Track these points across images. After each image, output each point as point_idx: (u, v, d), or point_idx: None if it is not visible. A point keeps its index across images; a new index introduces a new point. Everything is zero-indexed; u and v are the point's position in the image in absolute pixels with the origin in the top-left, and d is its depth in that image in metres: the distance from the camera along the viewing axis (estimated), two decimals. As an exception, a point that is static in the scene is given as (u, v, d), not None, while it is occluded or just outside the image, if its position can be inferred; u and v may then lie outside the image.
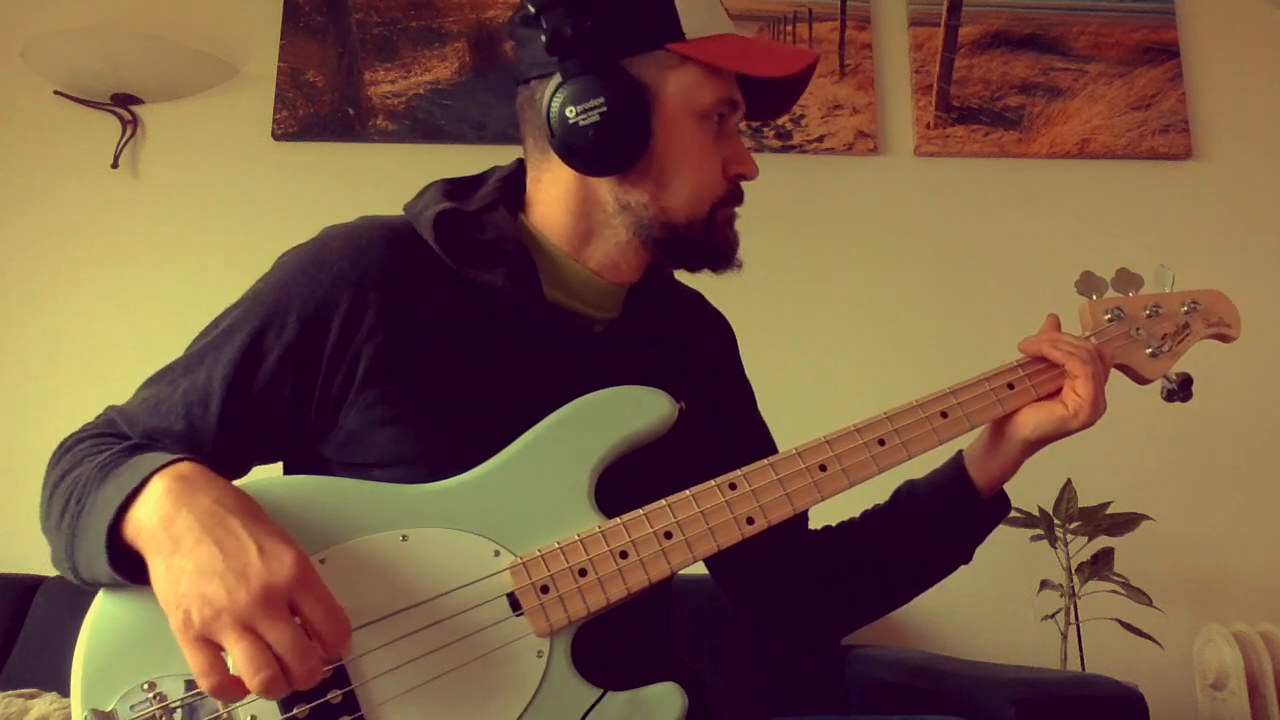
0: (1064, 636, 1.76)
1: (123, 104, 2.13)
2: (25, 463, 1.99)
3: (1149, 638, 1.72)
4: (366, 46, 2.19)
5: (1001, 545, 1.96)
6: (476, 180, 0.97)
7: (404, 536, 0.76)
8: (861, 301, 2.13)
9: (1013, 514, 1.80)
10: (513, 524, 0.78)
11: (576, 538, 0.78)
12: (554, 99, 0.85)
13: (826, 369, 2.08)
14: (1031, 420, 0.94)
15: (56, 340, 2.05)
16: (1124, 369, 0.98)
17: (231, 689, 0.64)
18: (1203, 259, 2.19)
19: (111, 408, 0.86)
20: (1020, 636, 1.94)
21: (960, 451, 0.98)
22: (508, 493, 0.79)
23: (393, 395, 0.83)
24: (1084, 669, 1.75)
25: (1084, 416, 0.92)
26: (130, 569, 0.70)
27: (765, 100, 0.96)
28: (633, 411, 0.83)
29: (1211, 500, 2.07)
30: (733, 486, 0.83)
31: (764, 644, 1.05)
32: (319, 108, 2.15)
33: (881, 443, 0.88)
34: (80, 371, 2.02)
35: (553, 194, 0.92)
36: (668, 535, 0.80)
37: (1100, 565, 1.74)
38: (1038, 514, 1.80)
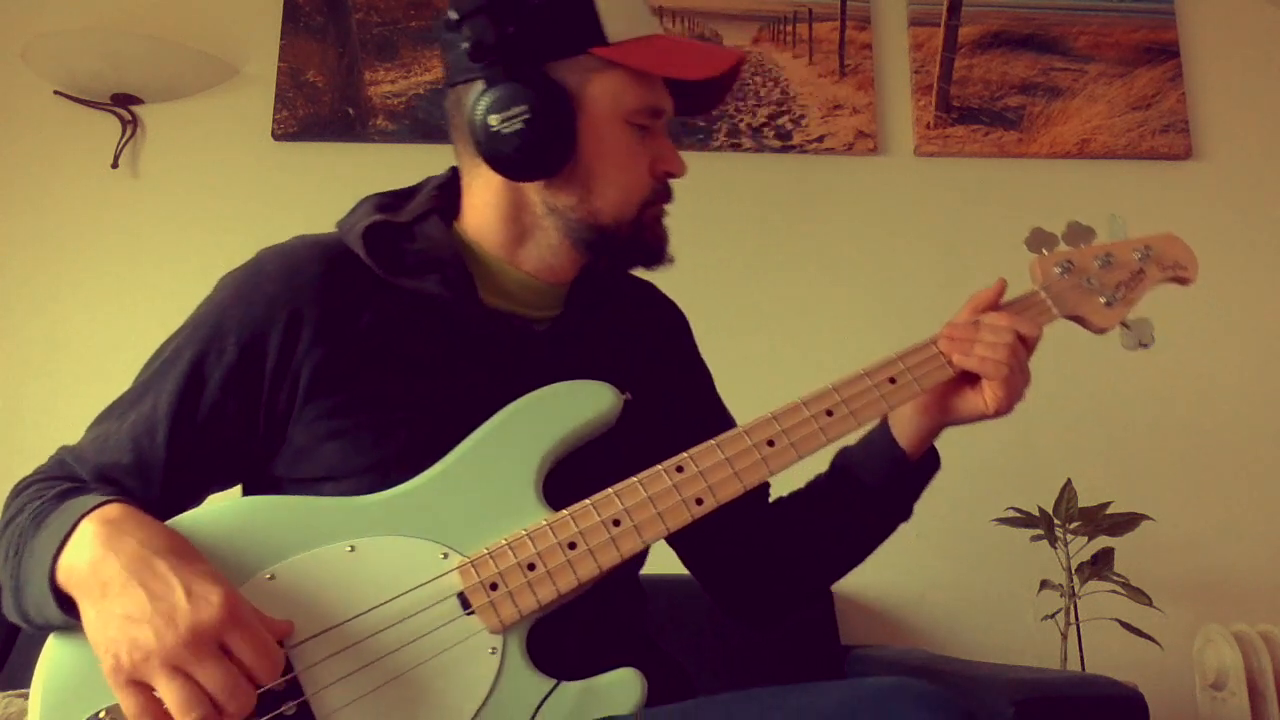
0: (1064, 636, 1.76)
1: (123, 104, 2.13)
2: (25, 463, 1.97)
3: (1149, 638, 1.72)
4: (366, 46, 2.19)
5: (1001, 545, 1.98)
6: (410, 191, 0.98)
7: (351, 547, 0.77)
8: (861, 301, 2.14)
9: (1013, 514, 1.82)
10: (460, 526, 0.79)
11: (524, 533, 0.79)
12: (478, 106, 0.86)
13: (826, 369, 2.06)
14: (955, 408, 0.95)
15: (56, 340, 2.05)
16: (1078, 320, 0.98)
17: None
18: (1203, 259, 2.18)
19: (63, 448, 0.87)
20: (1020, 636, 1.94)
21: (885, 419, 0.99)
22: (454, 495, 0.80)
23: (336, 409, 0.83)
24: (1084, 669, 1.75)
25: (1002, 412, 0.93)
26: (76, 611, 0.71)
27: (694, 97, 0.96)
28: (576, 405, 0.84)
29: (1211, 500, 2.07)
30: (680, 469, 0.84)
31: (769, 640, 1.06)
32: (319, 108, 2.15)
33: (829, 414, 0.88)
34: (80, 371, 2.02)
35: (484, 199, 0.93)
36: (616, 523, 0.80)
37: (1100, 565, 1.74)
38: (1038, 514, 1.80)
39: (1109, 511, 1.78)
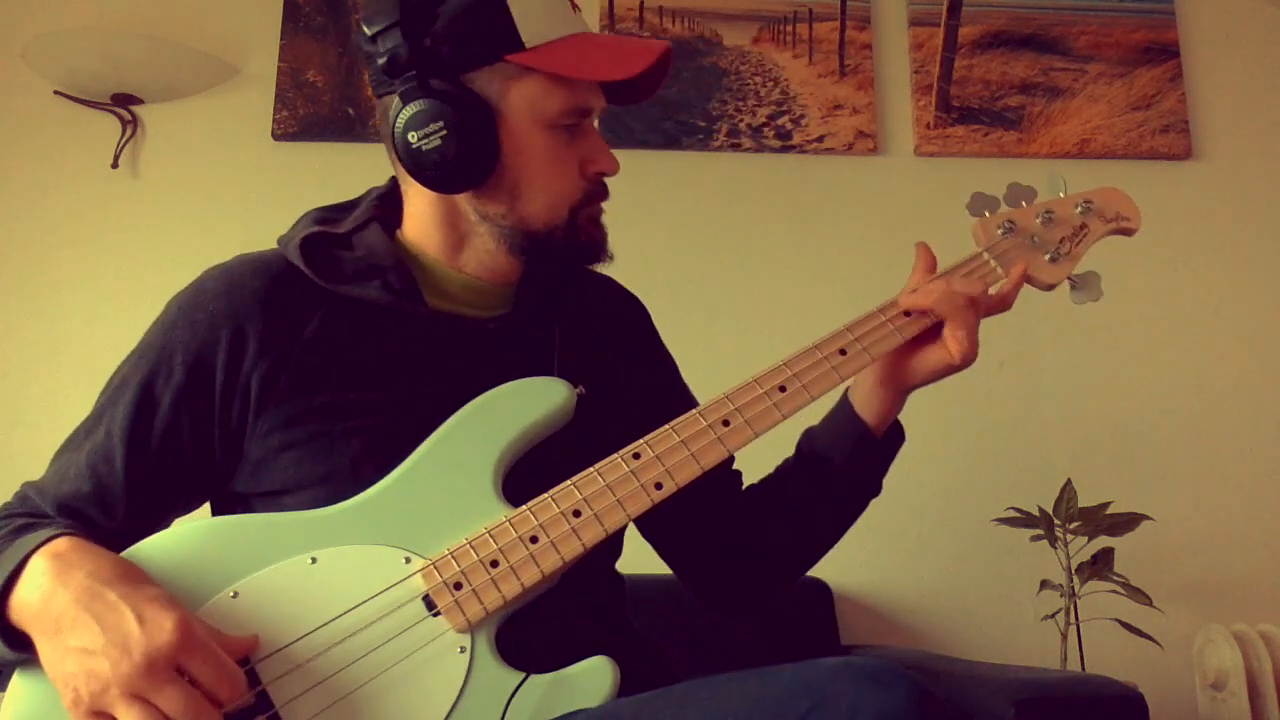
0: (1064, 636, 1.76)
1: (123, 104, 2.13)
2: (25, 464, 1.97)
3: (1149, 638, 1.72)
4: (366, 46, 2.19)
5: (1001, 545, 1.98)
6: (351, 204, 0.98)
7: (313, 559, 0.77)
8: (862, 302, 2.12)
9: (1013, 514, 1.82)
10: (421, 530, 0.79)
11: (484, 531, 0.79)
12: (397, 122, 0.85)
13: (826, 369, 2.07)
14: (920, 367, 0.94)
15: (56, 340, 2.05)
16: (1025, 279, 0.97)
17: None
18: (1203, 259, 2.19)
19: (26, 484, 0.87)
20: (1020, 636, 1.94)
21: (846, 394, 0.99)
22: (413, 500, 0.81)
23: (288, 421, 0.84)
24: (1084, 669, 1.76)
25: (967, 359, 0.91)
26: (29, 648, 0.71)
27: (627, 88, 0.94)
28: (529, 402, 0.84)
29: (1211, 500, 2.07)
30: (636, 456, 0.84)
31: (770, 640, 1.06)
32: (319, 108, 2.15)
33: (782, 389, 0.88)
34: (80, 372, 2.02)
35: (419, 207, 0.93)
36: (576, 513, 0.81)
37: (1100, 565, 1.74)
38: (1038, 514, 1.80)
39: (1109, 511, 1.78)
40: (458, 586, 0.77)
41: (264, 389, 0.84)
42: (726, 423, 0.86)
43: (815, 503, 0.99)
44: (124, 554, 0.76)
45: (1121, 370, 2.11)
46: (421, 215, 0.93)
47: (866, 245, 2.17)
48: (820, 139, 2.19)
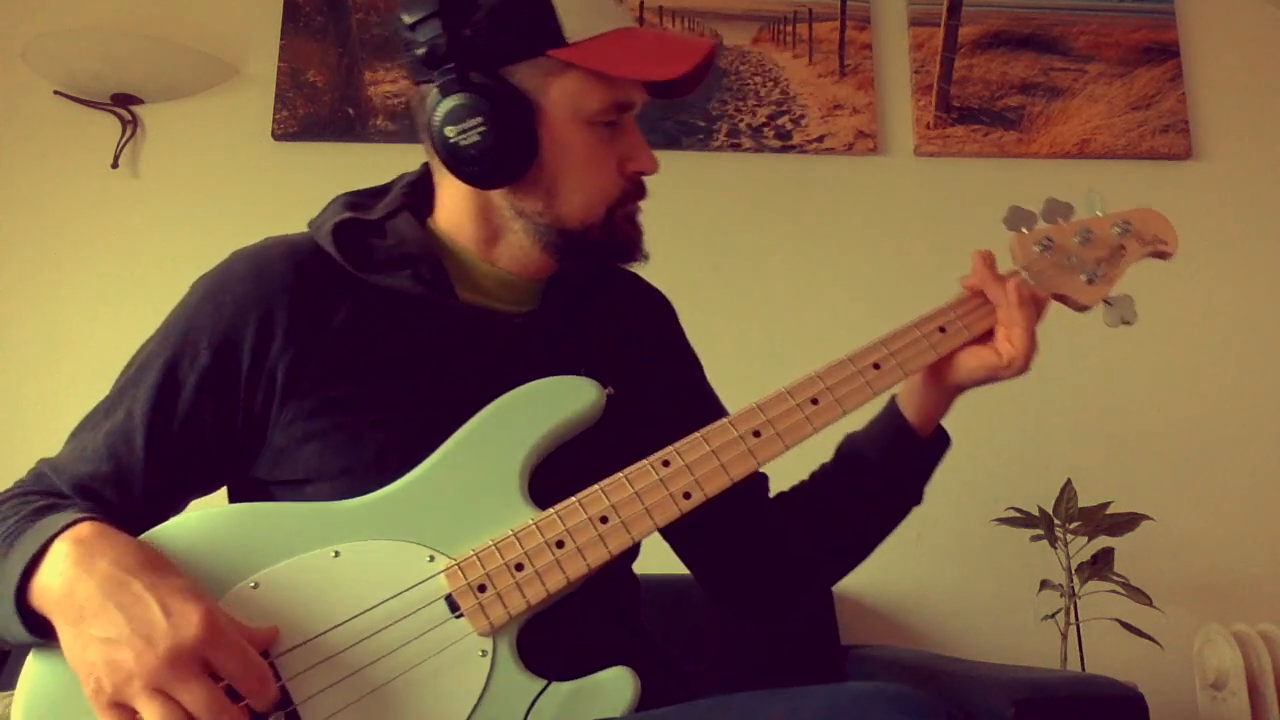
0: (1064, 636, 1.76)
1: (123, 104, 2.13)
2: (25, 463, 1.98)
3: (1149, 638, 1.72)
4: (366, 46, 2.19)
5: (1001, 545, 1.98)
6: (382, 189, 0.97)
7: (336, 552, 0.76)
8: (861, 301, 2.13)
9: (1013, 514, 1.82)
10: (445, 528, 0.78)
11: (510, 533, 0.78)
12: (435, 115, 0.84)
13: (826, 369, 2.07)
14: (965, 367, 0.92)
15: (56, 340, 2.05)
16: (1061, 299, 0.96)
17: None
18: (1203, 259, 2.19)
19: (43, 461, 0.86)
20: (1020, 636, 1.94)
21: (894, 397, 0.98)
22: (438, 497, 0.79)
23: (312, 410, 0.82)
24: (1084, 669, 1.75)
25: (1017, 366, 0.90)
26: (48, 631, 0.70)
27: (668, 83, 0.91)
28: (558, 402, 0.83)
29: (1211, 500, 2.07)
30: (666, 463, 0.82)
31: (771, 641, 1.05)
32: (319, 108, 2.15)
33: (815, 402, 0.87)
34: (80, 371, 2.02)
35: (453, 198, 0.92)
36: (603, 520, 0.79)
37: (1100, 565, 1.74)
38: (1038, 514, 1.80)
39: (1109, 511, 1.78)
40: (482, 589, 0.76)
41: (290, 377, 0.82)
42: (758, 433, 0.84)
43: (849, 506, 0.97)
44: (144, 536, 0.74)
45: (1121, 370, 2.11)
46: (455, 207, 0.92)
47: (866, 245, 2.17)
48: (820, 139, 2.19)
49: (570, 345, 0.93)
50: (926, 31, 2.26)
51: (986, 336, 0.92)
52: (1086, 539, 1.79)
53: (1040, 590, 1.81)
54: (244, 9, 2.21)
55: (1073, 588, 1.77)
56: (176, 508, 0.85)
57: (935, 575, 2.00)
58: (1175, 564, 2.02)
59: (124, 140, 2.12)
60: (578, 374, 0.84)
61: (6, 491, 0.84)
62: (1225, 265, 2.19)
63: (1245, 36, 2.33)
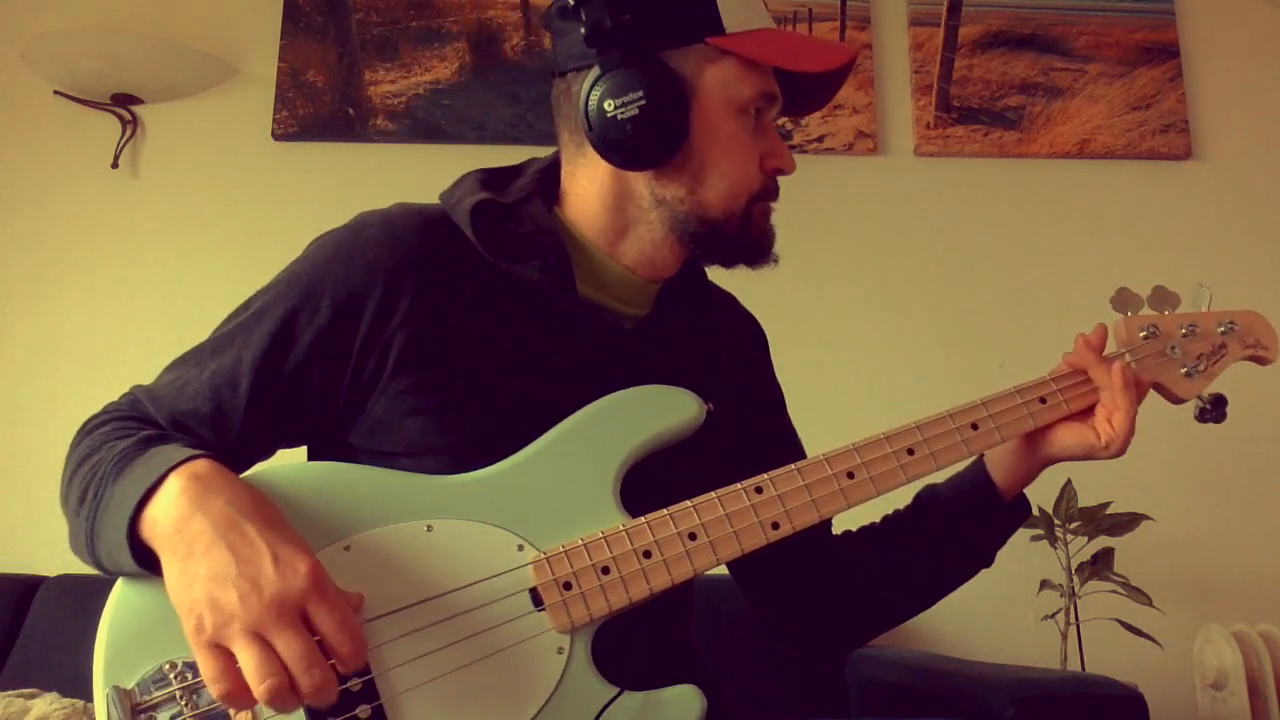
0: (1064, 636, 1.76)
1: (123, 104, 2.13)
2: (25, 463, 1.93)
3: (1149, 638, 1.72)
4: (366, 46, 2.19)
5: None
6: (513, 171, 0.96)
7: (429, 527, 0.76)
8: (861, 301, 2.13)
9: (1013, 514, 1.82)
10: (537, 519, 0.78)
11: (600, 535, 0.78)
12: (592, 92, 0.85)
13: (826, 369, 2.08)
14: (1061, 442, 0.92)
15: (56, 340, 2.05)
16: (1158, 388, 0.96)
17: (241, 695, 0.64)
18: (1203, 259, 2.19)
19: (137, 388, 0.86)
20: (1020, 636, 1.94)
21: (981, 456, 0.98)
22: (533, 488, 0.79)
23: (422, 385, 0.82)
24: (1084, 669, 1.75)
25: (1115, 449, 0.90)
26: (152, 563, 0.70)
27: (801, 95, 0.95)
28: (660, 411, 0.83)
29: (1211, 500, 2.07)
30: (759, 490, 0.83)
31: (773, 641, 1.05)
32: (319, 108, 2.15)
33: (910, 452, 0.87)
34: (80, 371, 2.02)
35: (588, 188, 0.91)
36: (692, 536, 0.80)
37: (1100, 565, 1.74)
38: (1038, 514, 1.79)
39: (1109, 511, 1.78)
40: (567, 586, 0.76)
41: (405, 349, 0.82)
42: (851, 475, 0.85)
43: (919, 557, 0.97)
44: (246, 475, 0.75)
45: (1121, 370, 2.11)
46: (589, 195, 0.91)
47: (867, 245, 2.17)
48: (820, 139, 2.19)
49: (675, 356, 0.94)
50: (926, 31, 2.26)
51: (1084, 414, 0.92)
52: (1086, 539, 1.79)
53: (1040, 590, 1.81)
54: (244, 9, 2.21)
55: (1073, 588, 1.77)
56: (263, 456, 0.85)
57: (935, 575, 1.99)
58: (1175, 564, 2.02)
59: (124, 140, 2.13)
60: (681, 386, 0.84)
61: (102, 415, 0.84)
62: (1225, 265, 2.19)
63: (1245, 36, 2.33)
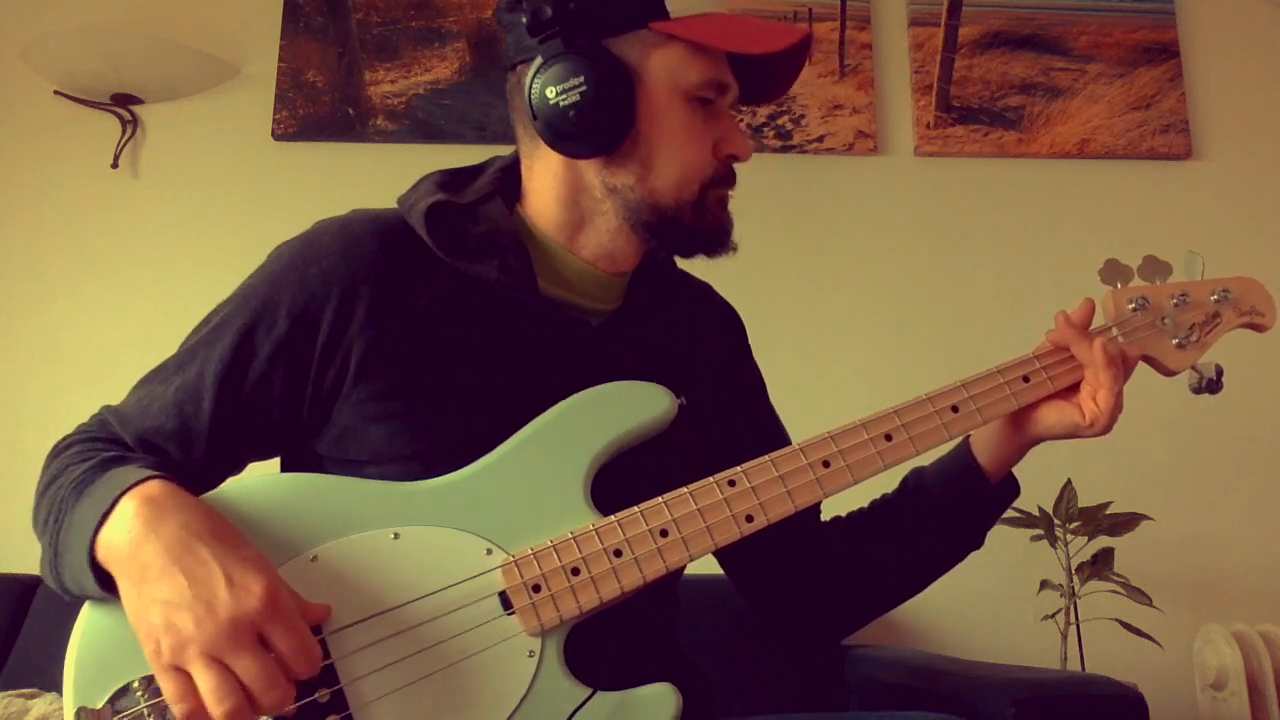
0: (1064, 636, 1.76)
1: (123, 104, 2.13)
2: (25, 463, 1.97)
3: (1149, 638, 1.72)
4: (366, 46, 2.19)
5: (1001, 545, 1.96)
6: (474, 171, 0.96)
7: (396, 534, 0.76)
8: (861, 301, 2.13)
9: (1013, 514, 1.82)
10: (506, 522, 0.78)
11: (570, 535, 0.77)
12: (535, 81, 0.85)
13: (826, 369, 2.08)
14: (1045, 421, 0.91)
15: (56, 340, 2.05)
16: (1149, 360, 0.93)
17: (202, 716, 0.65)
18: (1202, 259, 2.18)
19: (106, 408, 0.86)
20: (1020, 636, 1.94)
21: (967, 438, 0.97)
22: (501, 490, 0.79)
23: (385, 392, 0.81)
24: (1084, 669, 1.75)
25: (1099, 427, 0.89)
26: (112, 586, 0.70)
27: (761, 82, 0.93)
28: (629, 407, 0.82)
29: (1211, 500, 2.07)
30: (731, 484, 0.82)
31: (772, 640, 1.05)
32: (319, 108, 2.15)
33: (888, 438, 0.86)
34: (80, 371, 2.02)
35: (544, 183, 0.91)
36: (663, 533, 0.79)
37: (1100, 565, 1.74)
38: (1038, 514, 1.80)
39: (1109, 511, 1.78)
40: (536, 589, 0.75)
41: (366, 356, 0.81)
42: (827, 464, 0.84)
43: (909, 541, 0.96)
44: (209, 496, 0.74)
45: (1121, 370, 2.11)
46: (544, 190, 0.91)
47: (866, 245, 2.17)
48: (820, 139, 2.19)
49: (644, 350, 0.93)
50: (926, 31, 2.26)
51: (1070, 391, 0.91)
52: (1086, 539, 1.78)
53: (1040, 590, 1.81)
54: (244, 9, 2.21)
55: (1073, 588, 1.77)
56: (233, 470, 0.85)
57: (935, 575, 1.99)
58: (1175, 564, 2.02)
59: (124, 140, 2.13)
60: (651, 380, 0.84)
61: (71, 436, 0.84)
62: (1225, 265, 2.17)
63: (1245, 36, 2.33)
